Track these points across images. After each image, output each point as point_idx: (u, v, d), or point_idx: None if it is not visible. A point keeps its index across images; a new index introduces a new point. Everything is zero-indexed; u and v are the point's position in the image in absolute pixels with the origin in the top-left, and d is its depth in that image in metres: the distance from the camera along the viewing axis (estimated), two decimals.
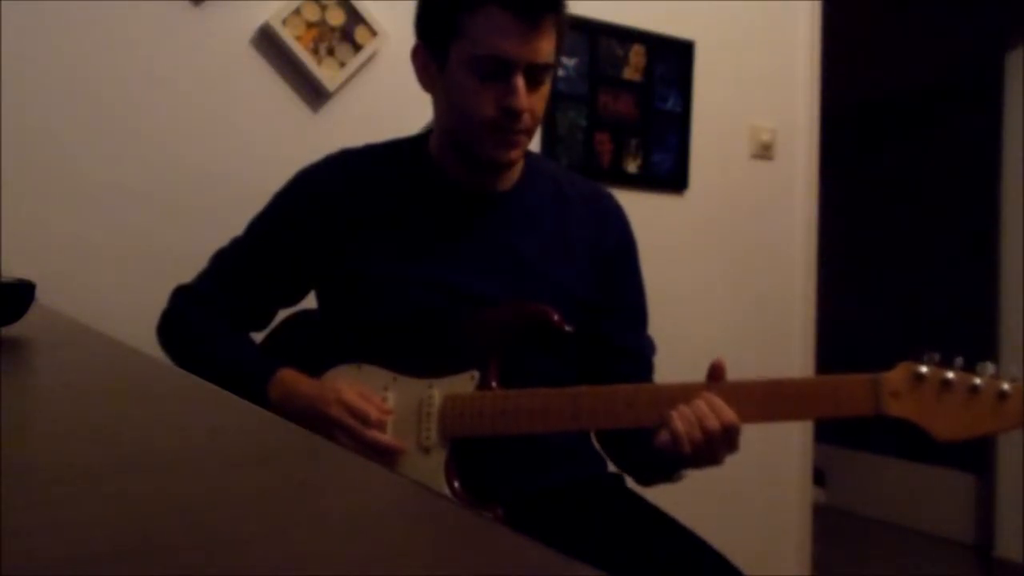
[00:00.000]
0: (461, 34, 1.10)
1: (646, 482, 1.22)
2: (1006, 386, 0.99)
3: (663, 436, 1.03)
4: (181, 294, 1.27)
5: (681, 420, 1.01)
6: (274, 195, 1.26)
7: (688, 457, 1.02)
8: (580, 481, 1.20)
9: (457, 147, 1.18)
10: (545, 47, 1.10)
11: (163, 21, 1.70)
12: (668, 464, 1.11)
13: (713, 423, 1.00)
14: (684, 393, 1.04)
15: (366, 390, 1.10)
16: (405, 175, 1.22)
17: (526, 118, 1.11)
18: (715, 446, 1.01)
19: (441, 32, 1.12)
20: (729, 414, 1.01)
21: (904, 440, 3.55)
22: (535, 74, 1.11)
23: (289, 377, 1.13)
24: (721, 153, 2.39)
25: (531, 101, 1.11)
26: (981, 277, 3.27)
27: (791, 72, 2.50)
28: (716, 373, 1.04)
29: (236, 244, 1.27)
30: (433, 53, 1.15)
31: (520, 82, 1.09)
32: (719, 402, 1.02)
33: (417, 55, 1.18)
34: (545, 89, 1.14)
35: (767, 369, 2.43)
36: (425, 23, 1.16)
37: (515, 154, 1.15)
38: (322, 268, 1.21)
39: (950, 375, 1.00)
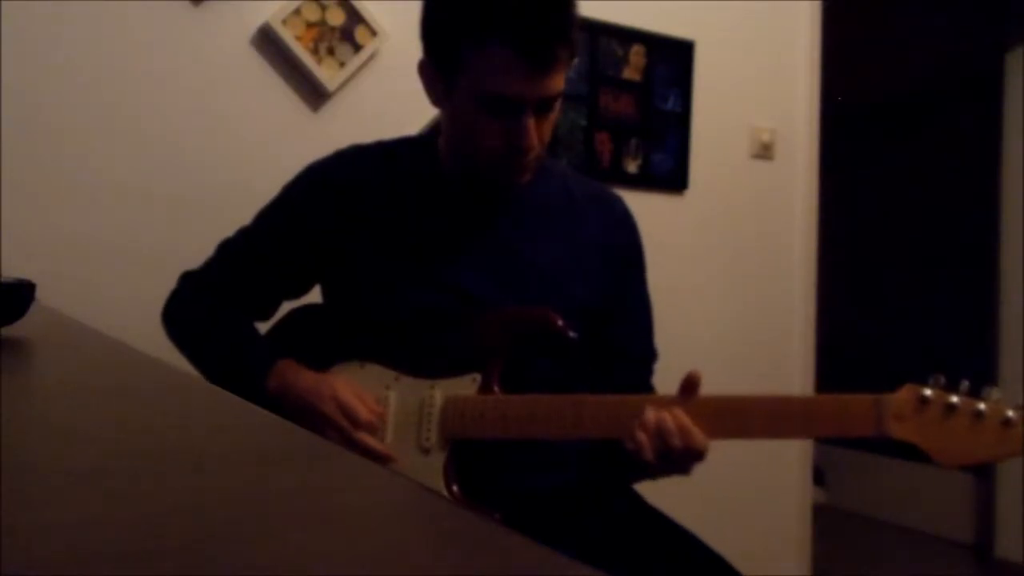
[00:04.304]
0: (467, 69, 1.06)
1: (625, 481, 1.22)
2: (1011, 413, 0.98)
3: (628, 443, 1.02)
4: (188, 279, 1.28)
5: (645, 434, 1.00)
6: (283, 187, 1.26)
7: (653, 467, 1.02)
8: (579, 483, 1.20)
9: (464, 163, 1.17)
10: (555, 80, 1.06)
11: (163, 21, 1.70)
12: (637, 468, 1.10)
13: (676, 442, 0.99)
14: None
15: (362, 391, 1.10)
16: (414, 173, 1.21)
17: (535, 148, 1.09)
18: (679, 461, 1.01)
19: (448, 62, 1.09)
20: (697, 438, 1.00)
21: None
22: (545, 104, 1.08)
23: (288, 368, 1.12)
24: (721, 153, 2.39)
25: (540, 129, 1.09)
26: (981, 277, 3.27)
27: (791, 72, 2.50)
28: (689, 386, 1.02)
29: (243, 234, 1.27)
30: (441, 73, 1.11)
31: (529, 122, 1.06)
32: (686, 422, 1.00)
33: (424, 71, 1.14)
34: (555, 112, 1.11)
35: (766, 368, 2.44)
36: (432, 48, 1.12)
37: (524, 178, 1.14)
38: (327, 262, 1.21)
39: (954, 399, 0.99)
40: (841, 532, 3.31)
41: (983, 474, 3.20)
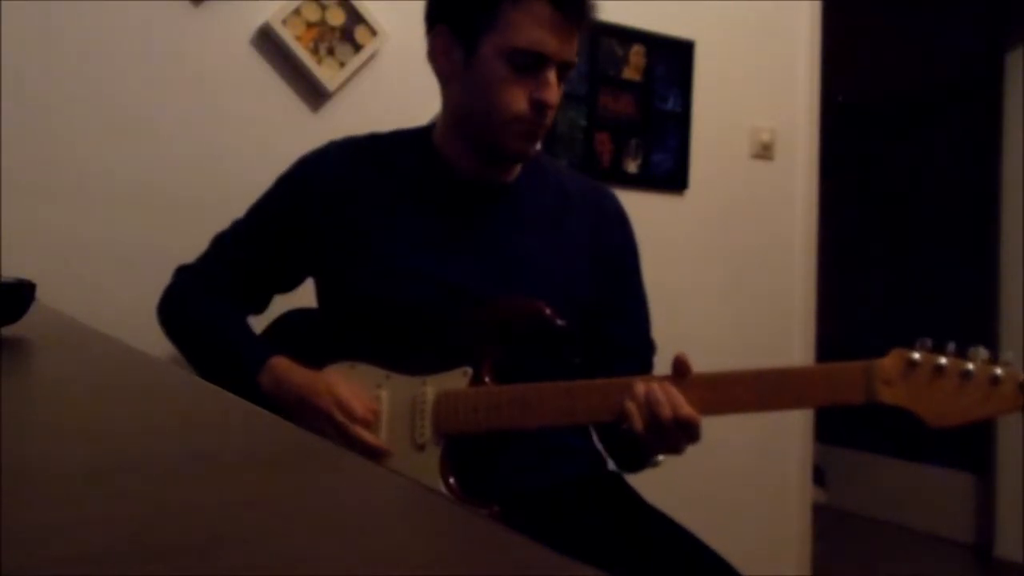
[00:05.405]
0: (501, 25, 1.09)
1: (625, 468, 1.22)
2: (999, 371, 0.98)
3: (619, 418, 1.03)
4: (183, 273, 1.29)
5: (634, 404, 1.02)
6: (276, 179, 1.26)
7: (644, 441, 1.03)
8: (578, 480, 1.20)
9: (471, 137, 1.17)
10: (576, 46, 1.12)
11: (163, 21, 1.70)
12: (632, 448, 1.11)
13: (666, 412, 1.00)
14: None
15: (357, 388, 1.10)
16: (407, 165, 1.22)
17: (555, 108, 1.13)
18: (670, 435, 1.01)
19: (477, 20, 1.10)
20: (685, 409, 1.01)
21: (904, 440, 3.55)
22: (562, 71, 1.12)
23: (281, 365, 1.13)
24: (721, 153, 2.39)
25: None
26: (981, 277, 3.27)
27: (791, 72, 2.50)
28: (679, 368, 1.04)
29: (236, 227, 1.28)
30: (460, 39, 1.13)
31: (554, 77, 1.11)
32: (675, 394, 1.01)
33: (439, 39, 1.15)
34: (563, 86, 1.15)
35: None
36: (456, 9, 1.13)
37: (535, 147, 1.16)
38: (318, 254, 1.21)
39: (942, 361, 1.00)
40: (841, 532, 3.31)
41: (983, 474, 3.20)
